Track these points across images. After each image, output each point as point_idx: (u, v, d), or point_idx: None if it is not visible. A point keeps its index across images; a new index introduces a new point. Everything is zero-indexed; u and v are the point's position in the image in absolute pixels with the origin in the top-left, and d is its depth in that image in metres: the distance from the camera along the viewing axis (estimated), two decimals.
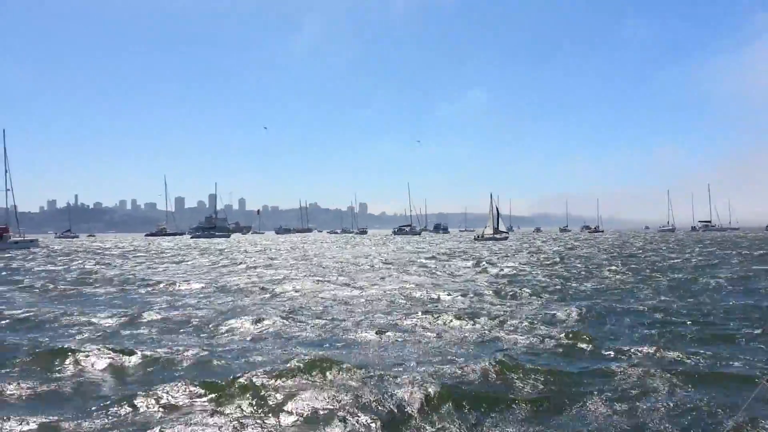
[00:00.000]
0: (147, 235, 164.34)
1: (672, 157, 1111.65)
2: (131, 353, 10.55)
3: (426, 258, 42.30)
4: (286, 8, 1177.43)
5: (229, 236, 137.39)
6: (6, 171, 72.57)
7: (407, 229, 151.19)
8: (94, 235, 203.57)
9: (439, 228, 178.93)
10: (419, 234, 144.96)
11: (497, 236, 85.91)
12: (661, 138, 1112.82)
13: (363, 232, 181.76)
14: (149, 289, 22.57)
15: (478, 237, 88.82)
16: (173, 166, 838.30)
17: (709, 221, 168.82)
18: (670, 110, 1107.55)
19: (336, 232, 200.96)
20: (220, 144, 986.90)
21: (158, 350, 10.89)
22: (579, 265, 33.10)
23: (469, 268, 32.75)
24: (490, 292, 19.85)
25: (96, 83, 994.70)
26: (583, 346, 11.12)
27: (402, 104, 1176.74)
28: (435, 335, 12.33)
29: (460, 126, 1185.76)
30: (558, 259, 38.71)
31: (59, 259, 47.67)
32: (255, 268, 34.00)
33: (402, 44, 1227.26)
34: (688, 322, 13.54)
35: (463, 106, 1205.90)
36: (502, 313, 15.23)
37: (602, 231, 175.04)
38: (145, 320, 14.70)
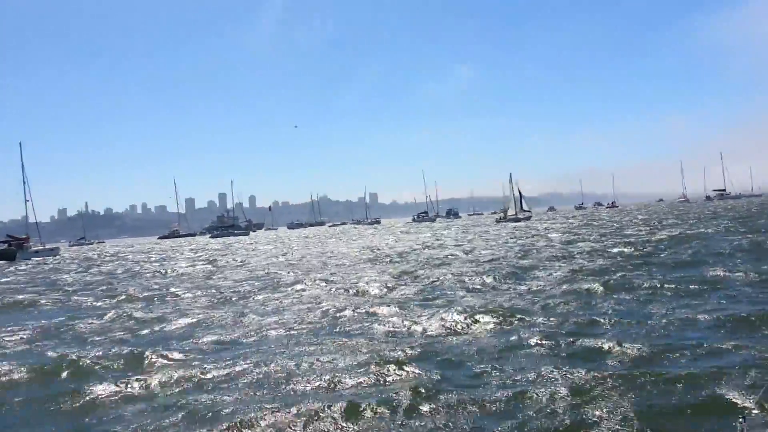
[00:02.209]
0: (160, 238, 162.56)
1: (683, 125, 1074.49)
2: None
3: None
4: None
5: (248, 233, 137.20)
6: (24, 182, 72.71)
7: (424, 216, 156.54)
8: (103, 241, 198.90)
9: (451, 213, 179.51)
10: (434, 220, 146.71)
11: (521, 216, 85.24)
12: (670, 106, 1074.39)
13: (376, 222, 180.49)
14: None
15: (501, 218, 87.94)
16: (181, 168, 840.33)
17: (724, 190, 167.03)
18: (676, 75, 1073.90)
19: (345, 224, 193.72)
20: (225, 142, 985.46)
21: None
22: None
23: None
24: None
25: (94, 88, 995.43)
26: None
27: (386, 85, 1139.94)
28: None
29: (451, 106, 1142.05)
30: None
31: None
32: None
33: (379, 18, 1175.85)
34: None
35: (451, 84, 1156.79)
36: None
37: (618, 206, 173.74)
38: None
